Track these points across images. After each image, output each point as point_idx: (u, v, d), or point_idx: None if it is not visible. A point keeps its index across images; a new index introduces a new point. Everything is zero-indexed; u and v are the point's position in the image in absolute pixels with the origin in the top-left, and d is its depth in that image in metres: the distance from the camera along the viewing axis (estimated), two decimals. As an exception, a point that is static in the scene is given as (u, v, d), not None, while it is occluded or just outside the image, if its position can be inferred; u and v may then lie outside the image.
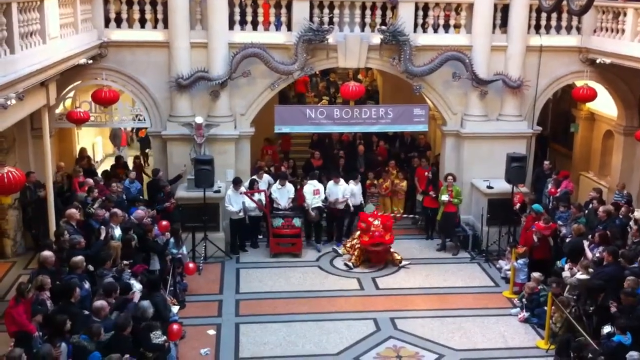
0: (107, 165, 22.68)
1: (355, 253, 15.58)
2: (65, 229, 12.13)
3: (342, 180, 16.58)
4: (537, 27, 17.02)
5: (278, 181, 16.41)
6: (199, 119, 15.72)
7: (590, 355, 10.34)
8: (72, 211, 12.63)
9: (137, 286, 11.26)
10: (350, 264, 15.47)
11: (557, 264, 13.62)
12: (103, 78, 15.94)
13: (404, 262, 15.53)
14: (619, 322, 10.24)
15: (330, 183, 16.53)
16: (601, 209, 13.87)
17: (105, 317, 9.71)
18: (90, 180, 15.30)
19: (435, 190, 16.57)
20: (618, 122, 18.05)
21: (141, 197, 15.20)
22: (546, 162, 17.69)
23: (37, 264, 11.48)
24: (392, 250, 15.71)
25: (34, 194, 14.28)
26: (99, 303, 9.81)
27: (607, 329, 10.68)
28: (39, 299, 9.83)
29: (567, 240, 13.72)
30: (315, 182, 16.50)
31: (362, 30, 16.57)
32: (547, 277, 13.54)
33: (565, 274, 12.45)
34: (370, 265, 15.54)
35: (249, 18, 16.33)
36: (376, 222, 15.37)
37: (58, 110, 16.07)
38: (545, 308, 12.29)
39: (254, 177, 16.45)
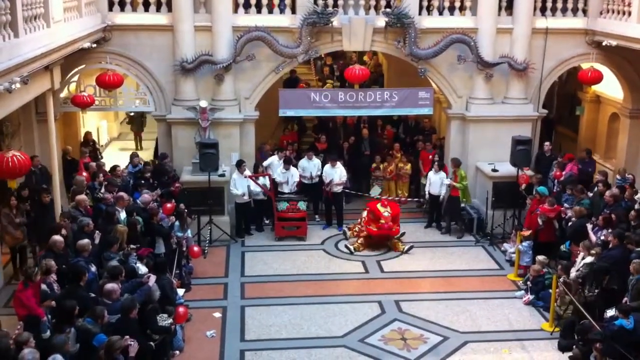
0: (111, 149, 22.87)
1: (359, 241, 15.60)
2: (72, 214, 12.20)
3: (338, 164, 16.61)
4: (543, 9, 16.92)
5: (282, 165, 16.42)
6: (204, 103, 15.72)
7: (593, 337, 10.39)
8: (82, 197, 12.69)
9: (142, 269, 11.33)
10: (351, 247, 15.51)
11: (562, 247, 13.65)
12: (107, 62, 15.94)
13: (405, 248, 15.55)
14: (621, 306, 10.26)
15: (327, 166, 16.56)
16: (608, 193, 13.85)
17: (116, 300, 9.78)
18: (94, 165, 15.36)
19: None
20: (624, 105, 17.98)
21: (144, 181, 15.19)
22: (546, 144, 17.61)
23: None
24: (395, 239, 15.69)
25: (40, 178, 14.28)
26: (110, 286, 9.86)
27: (610, 312, 10.72)
28: (47, 283, 9.90)
29: (570, 223, 13.74)
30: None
31: (367, 13, 16.49)
32: (551, 260, 13.60)
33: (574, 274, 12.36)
34: (375, 249, 15.57)
35: (252, 1, 16.27)
36: (386, 214, 15.31)
37: (63, 94, 16.08)
38: (550, 291, 12.32)
39: (262, 160, 16.49)
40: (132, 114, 22.15)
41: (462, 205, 16.42)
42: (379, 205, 15.54)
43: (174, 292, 11.68)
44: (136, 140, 22.62)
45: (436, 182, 16.34)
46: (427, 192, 16.75)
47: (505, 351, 11.48)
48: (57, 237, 10.74)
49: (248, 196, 15.87)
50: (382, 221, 15.22)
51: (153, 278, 10.59)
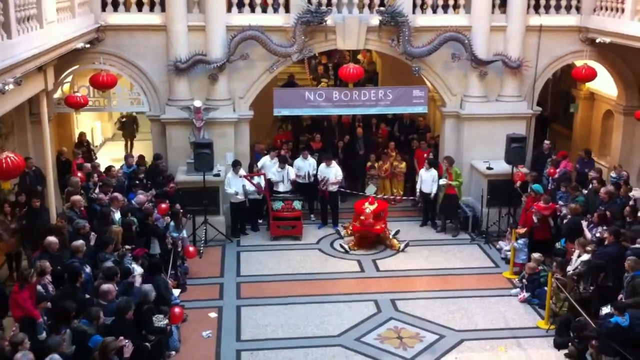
0: (105, 149, 22.78)
1: (354, 238, 15.64)
2: (68, 215, 12.16)
3: (333, 162, 16.60)
4: (537, 7, 16.93)
5: (277, 165, 16.40)
6: (198, 103, 15.69)
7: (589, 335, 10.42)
8: (78, 197, 12.64)
9: (138, 270, 11.32)
10: (346, 247, 15.52)
11: (557, 245, 13.67)
12: (101, 62, 15.88)
13: (402, 246, 15.53)
14: (617, 303, 10.28)
15: (322, 165, 16.56)
16: (602, 190, 13.88)
17: (111, 301, 9.76)
18: (89, 165, 15.32)
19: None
20: (618, 102, 18.01)
21: (138, 181, 15.18)
22: (546, 142, 17.66)
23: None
24: (391, 237, 15.73)
25: (34, 179, 14.22)
26: (106, 287, 9.86)
27: (605, 309, 10.74)
28: (42, 284, 9.87)
29: (565, 221, 13.75)
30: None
31: (361, 11, 16.48)
32: (547, 258, 13.62)
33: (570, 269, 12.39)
34: (370, 247, 15.57)
35: (246, 0, 16.23)
36: (367, 211, 15.34)
37: (56, 95, 16.02)
38: (546, 288, 12.34)
39: (256, 160, 16.46)
40: (123, 119, 21.80)
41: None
42: (366, 203, 15.60)
43: (170, 292, 11.66)
44: (127, 146, 22.14)
45: (427, 180, 16.35)
46: (418, 190, 16.74)
47: (501, 349, 11.49)
48: (52, 238, 10.72)
49: (243, 196, 15.85)
50: (362, 217, 15.25)
51: (138, 278, 10.60)
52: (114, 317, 9.48)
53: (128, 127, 21.89)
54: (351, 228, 15.74)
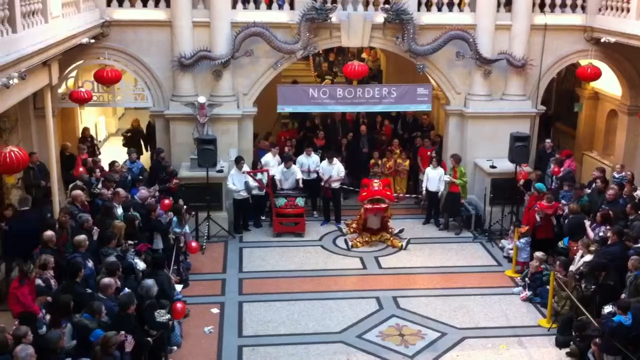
0: (109, 144, 22.81)
1: (358, 239, 15.64)
2: (70, 210, 12.18)
3: (336, 160, 16.62)
4: (542, 6, 16.90)
5: (283, 163, 16.41)
6: (202, 99, 15.71)
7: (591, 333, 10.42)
8: (78, 192, 12.66)
9: (140, 265, 11.35)
10: (350, 243, 15.53)
11: (559, 244, 13.66)
12: (105, 57, 15.91)
13: (404, 244, 15.53)
14: (620, 302, 10.27)
15: (324, 162, 16.59)
16: (611, 191, 13.84)
17: (112, 294, 9.77)
18: (91, 160, 15.35)
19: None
20: (622, 102, 17.97)
21: (141, 176, 15.20)
22: (547, 141, 17.63)
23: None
24: (393, 235, 15.78)
25: (38, 174, 14.25)
26: (107, 280, 9.87)
27: (608, 308, 10.73)
28: (43, 278, 9.88)
29: (567, 219, 13.74)
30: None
31: (366, 9, 16.49)
32: (549, 257, 13.61)
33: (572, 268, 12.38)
34: (372, 244, 15.59)
35: (251, -3, 16.28)
36: (376, 182, 15.73)
37: (61, 90, 16.06)
38: (548, 287, 12.33)
39: (259, 157, 16.49)
40: (129, 134, 20.39)
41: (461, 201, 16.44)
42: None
43: (172, 287, 11.68)
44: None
45: (434, 179, 16.34)
46: (424, 189, 16.75)
47: (502, 347, 11.50)
48: (50, 233, 10.73)
49: (246, 192, 15.86)
50: (375, 183, 15.56)
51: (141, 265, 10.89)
52: (112, 316, 9.45)
53: (133, 142, 20.05)
54: (362, 210, 15.70)
